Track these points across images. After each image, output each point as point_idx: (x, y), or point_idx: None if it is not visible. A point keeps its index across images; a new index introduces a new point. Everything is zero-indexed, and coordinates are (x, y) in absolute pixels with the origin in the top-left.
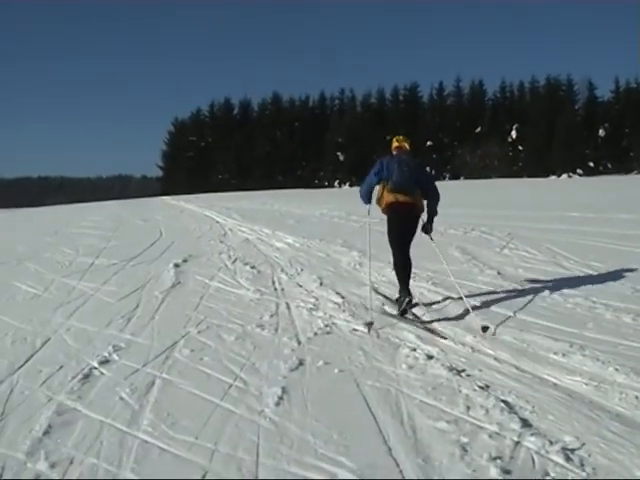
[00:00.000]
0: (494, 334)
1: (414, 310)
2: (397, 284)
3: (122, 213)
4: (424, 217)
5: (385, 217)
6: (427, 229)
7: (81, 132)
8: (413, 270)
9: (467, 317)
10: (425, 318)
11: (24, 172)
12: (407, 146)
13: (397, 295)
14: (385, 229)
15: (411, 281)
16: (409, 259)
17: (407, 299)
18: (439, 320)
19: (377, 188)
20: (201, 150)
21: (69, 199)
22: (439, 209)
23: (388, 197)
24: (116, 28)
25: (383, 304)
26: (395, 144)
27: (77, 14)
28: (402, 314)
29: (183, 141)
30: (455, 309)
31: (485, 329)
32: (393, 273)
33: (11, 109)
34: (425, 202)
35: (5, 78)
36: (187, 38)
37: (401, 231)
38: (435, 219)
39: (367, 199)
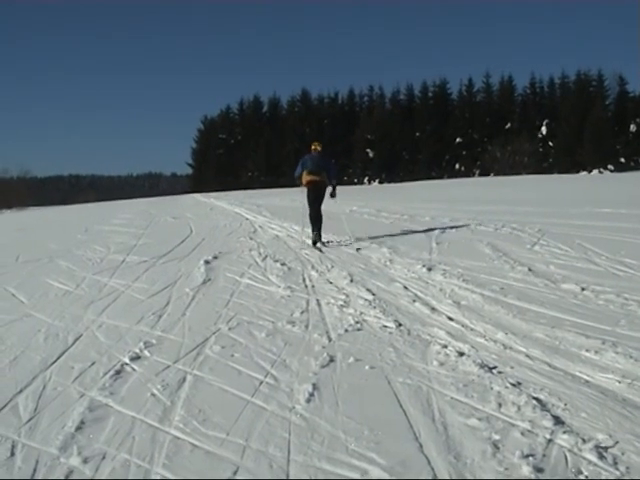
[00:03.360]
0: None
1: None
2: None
3: (152, 211)
4: (330, 188)
5: (305, 189)
6: (333, 195)
7: (111, 131)
8: (444, 267)
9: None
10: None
11: (56, 171)
12: (319, 148)
13: (311, 235)
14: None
15: (442, 277)
16: (319, 214)
17: (314, 234)
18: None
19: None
20: (231, 147)
21: (100, 197)
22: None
23: (306, 177)
24: (146, 28)
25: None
26: (312, 147)
27: (97, 19)
28: (314, 244)
29: (213, 139)
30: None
31: (358, 249)
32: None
33: (43, 111)
34: (329, 180)
35: (36, 82)
36: (216, 36)
37: (313, 197)
38: (338, 188)
39: (299, 182)
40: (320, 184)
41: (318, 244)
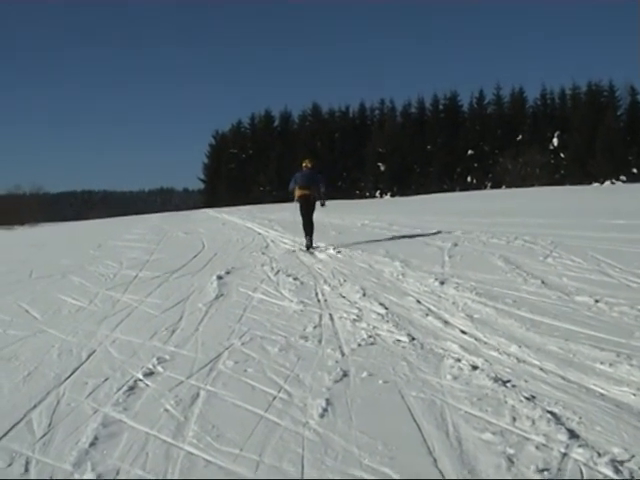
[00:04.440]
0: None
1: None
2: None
3: (164, 226)
4: (320, 199)
5: (297, 203)
6: (322, 204)
7: (123, 146)
8: (457, 280)
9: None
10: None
11: (68, 187)
12: (309, 165)
13: (304, 242)
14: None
15: (454, 291)
16: (310, 223)
17: (306, 243)
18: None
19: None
20: (242, 162)
21: (112, 212)
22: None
23: (298, 192)
24: (150, 40)
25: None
26: (303, 164)
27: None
28: (307, 249)
29: (224, 153)
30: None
31: (337, 251)
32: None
33: (55, 127)
34: (319, 191)
35: (48, 98)
36: (227, 50)
37: (304, 208)
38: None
39: (293, 195)
40: (310, 198)
41: (310, 249)
